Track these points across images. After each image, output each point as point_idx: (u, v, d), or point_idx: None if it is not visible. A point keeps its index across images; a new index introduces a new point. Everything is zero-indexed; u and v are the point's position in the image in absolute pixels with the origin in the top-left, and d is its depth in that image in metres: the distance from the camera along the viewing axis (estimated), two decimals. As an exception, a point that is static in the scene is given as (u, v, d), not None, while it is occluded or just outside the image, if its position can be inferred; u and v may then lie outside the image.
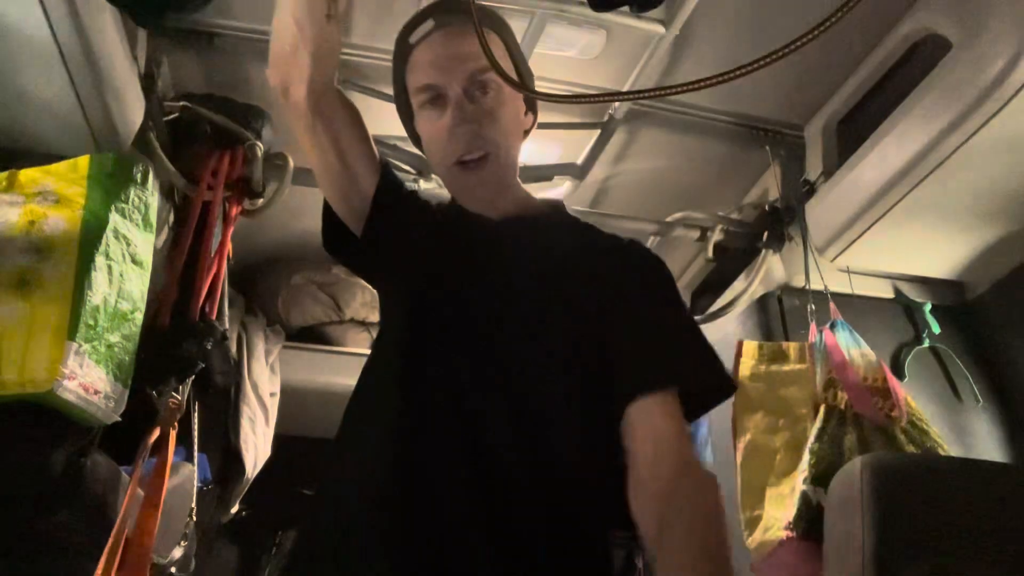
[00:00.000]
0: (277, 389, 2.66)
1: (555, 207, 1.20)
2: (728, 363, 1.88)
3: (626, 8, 1.01)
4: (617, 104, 1.99)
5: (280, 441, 2.62)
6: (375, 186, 1.15)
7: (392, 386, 0.98)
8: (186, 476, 1.73)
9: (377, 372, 1.05)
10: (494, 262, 1.06)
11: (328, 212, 1.18)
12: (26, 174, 1.47)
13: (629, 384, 0.94)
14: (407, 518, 0.87)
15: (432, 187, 2.02)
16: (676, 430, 0.90)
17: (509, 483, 0.88)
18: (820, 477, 1.51)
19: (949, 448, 1.67)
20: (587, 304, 1.01)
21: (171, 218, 1.87)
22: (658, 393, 0.92)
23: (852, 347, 1.73)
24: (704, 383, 0.99)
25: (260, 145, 1.85)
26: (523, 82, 1.18)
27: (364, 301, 2.84)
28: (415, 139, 1.19)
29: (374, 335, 2.85)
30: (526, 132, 1.20)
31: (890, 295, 2.11)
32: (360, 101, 2.06)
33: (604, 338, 0.98)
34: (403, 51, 1.16)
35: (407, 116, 1.19)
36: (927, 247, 1.96)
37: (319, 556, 0.91)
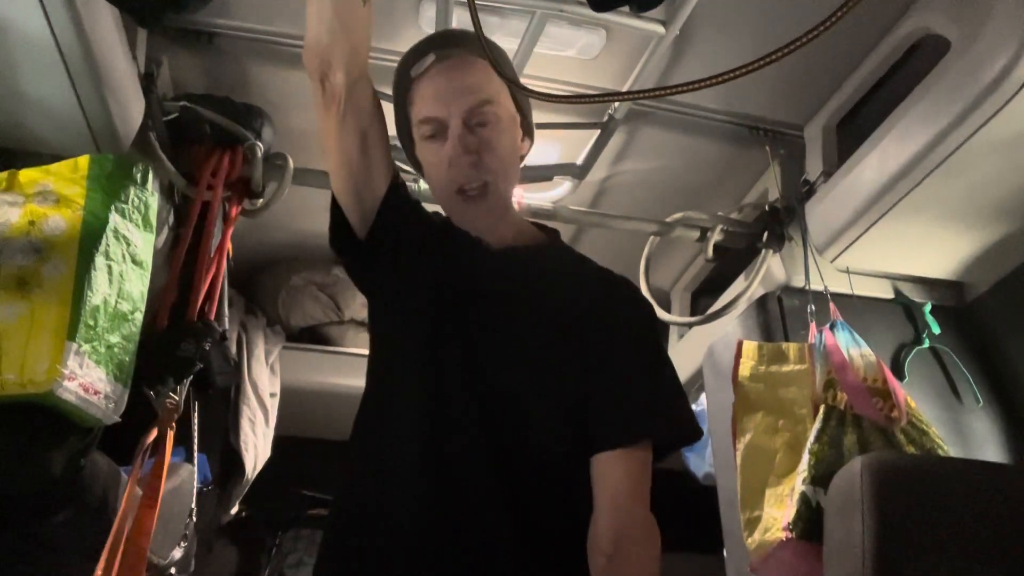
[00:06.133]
0: (277, 389, 2.66)
1: (551, 236, 1.23)
2: (728, 363, 1.88)
3: (626, 8, 1.02)
4: (617, 104, 1.99)
5: (280, 441, 2.63)
6: (388, 185, 1.17)
7: (416, 403, 1.05)
8: (186, 477, 1.74)
9: (395, 385, 1.11)
10: (492, 291, 1.12)
11: (336, 208, 1.18)
12: (26, 174, 1.47)
13: (596, 438, 1.01)
14: (440, 511, 0.98)
15: (432, 187, 2.02)
16: (629, 488, 0.98)
17: (522, 477, 0.99)
18: (820, 477, 1.51)
19: (949, 448, 1.67)
20: (575, 343, 1.07)
21: (171, 218, 1.87)
22: (619, 449, 1.00)
23: (852, 347, 1.73)
24: (669, 436, 1.07)
25: (260, 145, 1.85)
26: (522, 114, 1.20)
27: (364, 302, 2.84)
28: (417, 167, 1.21)
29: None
30: (522, 157, 1.22)
31: (890, 295, 2.11)
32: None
33: (586, 378, 1.05)
34: (404, 84, 1.17)
35: (409, 145, 1.21)
36: (927, 247, 1.96)
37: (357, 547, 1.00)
